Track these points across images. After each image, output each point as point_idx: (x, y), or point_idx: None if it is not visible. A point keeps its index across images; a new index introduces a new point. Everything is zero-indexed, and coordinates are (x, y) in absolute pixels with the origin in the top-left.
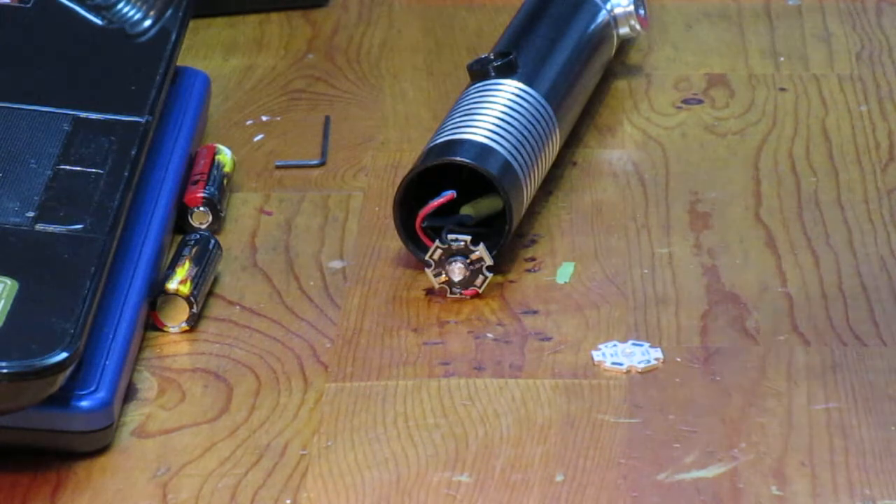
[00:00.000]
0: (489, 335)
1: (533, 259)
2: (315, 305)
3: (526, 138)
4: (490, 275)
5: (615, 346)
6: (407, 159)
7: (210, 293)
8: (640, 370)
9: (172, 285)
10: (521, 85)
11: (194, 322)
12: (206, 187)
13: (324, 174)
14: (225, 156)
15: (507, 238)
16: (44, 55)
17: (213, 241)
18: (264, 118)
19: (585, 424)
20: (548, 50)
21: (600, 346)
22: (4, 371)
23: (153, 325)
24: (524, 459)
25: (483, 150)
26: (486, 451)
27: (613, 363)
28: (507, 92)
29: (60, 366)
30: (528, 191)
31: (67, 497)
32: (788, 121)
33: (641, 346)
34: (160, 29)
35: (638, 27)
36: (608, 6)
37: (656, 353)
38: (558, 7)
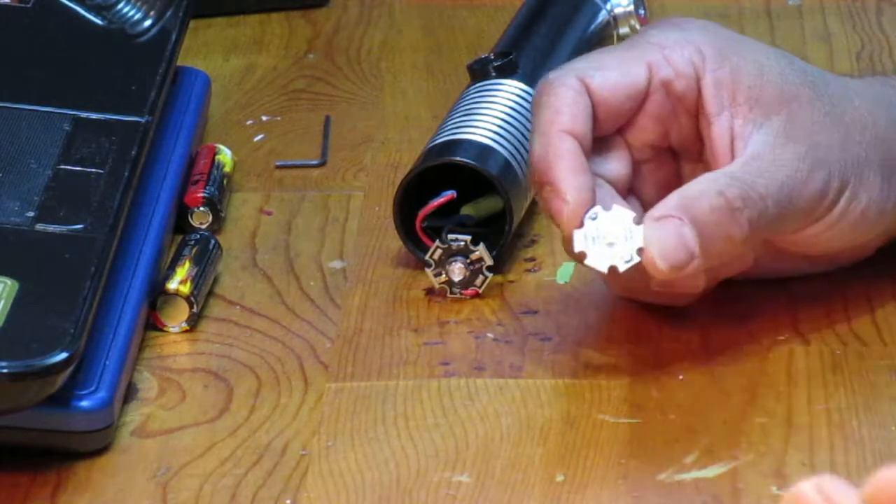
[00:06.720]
0: (489, 335)
1: (533, 259)
2: (315, 305)
3: (526, 138)
4: (490, 275)
5: (595, 218)
6: (407, 159)
7: (210, 293)
8: (621, 271)
9: (172, 285)
10: (521, 85)
11: (194, 322)
12: (206, 187)
13: (324, 174)
14: (225, 156)
15: (507, 238)
16: (44, 55)
17: (213, 241)
18: (264, 118)
19: (585, 424)
20: (548, 50)
21: (584, 221)
22: (4, 371)
23: (153, 325)
24: (524, 459)
25: (483, 150)
26: (486, 451)
27: (594, 260)
28: (507, 92)
29: (60, 366)
30: (529, 191)
31: (67, 497)
32: None
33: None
34: (160, 29)
35: (638, 27)
36: (608, 6)
37: (638, 241)
38: (558, 7)
